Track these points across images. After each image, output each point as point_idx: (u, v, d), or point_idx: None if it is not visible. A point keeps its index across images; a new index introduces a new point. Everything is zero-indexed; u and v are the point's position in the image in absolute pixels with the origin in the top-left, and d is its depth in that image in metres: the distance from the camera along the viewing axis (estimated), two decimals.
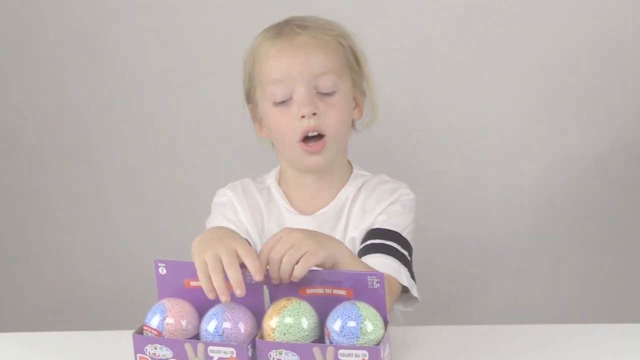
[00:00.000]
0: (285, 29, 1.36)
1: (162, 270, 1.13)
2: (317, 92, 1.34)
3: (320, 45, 1.34)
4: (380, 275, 1.06)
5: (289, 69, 1.33)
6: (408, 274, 1.34)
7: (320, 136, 1.35)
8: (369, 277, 1.06)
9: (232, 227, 1.35)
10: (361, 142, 1.50)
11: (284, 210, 1.42)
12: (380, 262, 1.30)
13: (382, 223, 1.38)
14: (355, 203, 1.42)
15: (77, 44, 2.03)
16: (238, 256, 1.08)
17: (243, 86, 1.43)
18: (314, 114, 1.33)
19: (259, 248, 1.39)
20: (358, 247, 1.37)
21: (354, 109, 1.42)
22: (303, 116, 1.33)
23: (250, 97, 1.43)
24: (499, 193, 2.02)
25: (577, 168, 1.99)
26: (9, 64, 2.06)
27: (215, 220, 1.43)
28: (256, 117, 1.43)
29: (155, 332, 1.09)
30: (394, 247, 1.35)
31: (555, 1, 1.92)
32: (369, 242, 1.36)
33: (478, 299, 2.07)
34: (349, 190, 1.43)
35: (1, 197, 2.14)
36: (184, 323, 1.09)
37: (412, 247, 1.40)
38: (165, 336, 1.08)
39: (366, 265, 1.23)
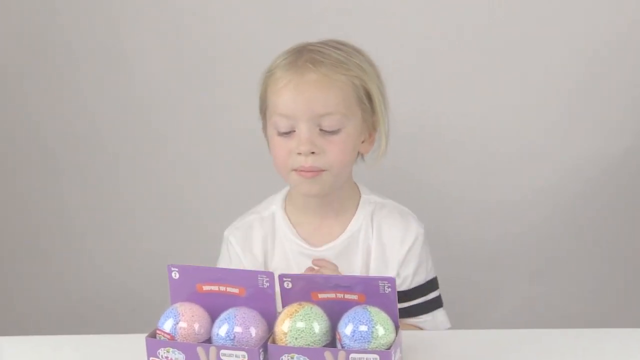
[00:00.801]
0: (300, 62, 1.35)
1: (175, 275, 1.13)
2: (320, 130, 1.34)
3: (330, 85, 1.33)
4: (391, 280, 1.06)
5: (294, 106, 1.33)
6: (443, 312, 1.46)
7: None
8: (380, 281, 1.06)
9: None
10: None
11: (291, 241, 1.43)
12: (420, 323, 1.43)
13: (411, 281, 1.42)
14: (368, 235, 1.42)
15: (93, 49, 2.04)
16: None
17: (259, 98, 1.43)
18: (312, 153, 1.33)
19: None
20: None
21: (362, 142, 1.40)
22: (300, 153, 1.34)
23: (263, 114, 1.43)
24: (511, 197, 2.01)
25: (590, 172, 1.98)
26: (24, 69, 2.08)
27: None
28: (266, 131, 1.43)
29: (168, 336, 1.09)
30: (429, 301, 1.44)
31: (571, 1, 1.92)
32: (407, 305, 1.41)
33: (490, 303, 2.07)
34: (358, 221, 1.43)
35: (18, 200, 2.15)
36: (196, 327, 1.10)
37: (435, 274, 1.47)
38: (178, 340, 1.09)
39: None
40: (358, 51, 1.40)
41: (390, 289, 1.05)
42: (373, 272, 1.41)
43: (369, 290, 1.07)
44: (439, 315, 1.45)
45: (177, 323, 1.10)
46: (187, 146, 2.07)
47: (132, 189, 2.10)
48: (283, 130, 1.35)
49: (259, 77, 1.41)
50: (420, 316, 1.43)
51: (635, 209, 2.00)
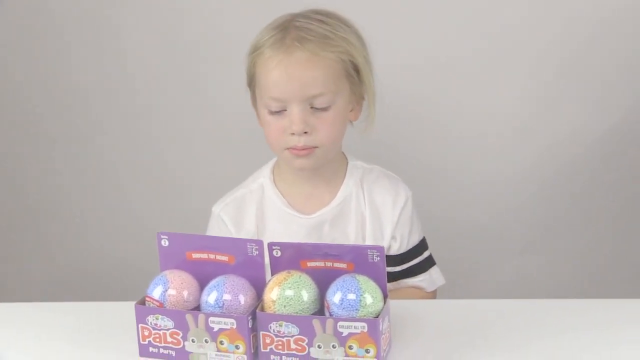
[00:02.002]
0: (288, 40, 1.35)
1: (165, 243, 1.13)
2: (312, 107, 1.35)
3: (319, 64, 1.34)
4: (380, 249, 1.06)
5: (285, 88, 1.34)
6: (437, 270, 1.51)
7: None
8: (369, 250, 1.06)
9: None
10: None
11: (282, 211, 1.44)
12: (419, 283, 1.48)
13: (407, 242, 1.46)
14: (359, 201, 1.44)
15: (88, 39, 2.04)
16: None
17: (246, 72, 1.43)
18: (305, 132, 1.34)
19: None
20: (380, 243, 1.43)
21: (350, 111, 1.42)
22: (293, 133, 1.35)
23: (251, 88, 1.43)
24: (500, 172, 2.02)
25: (575, 147, 1.99)
26: (21, 58, 2.07)
27: None
28: (255, 104, 1.44)
29: (157, 303, 1.10)
30: (424, 260, 1.48)
31: None
32: (400, 268, 1.45)
33: (480, 276, 2.09)
34: (348, 187, 1.45)
35: (13, 174, 2.15)
36: (185, 294, 1.10)
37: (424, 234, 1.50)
38: (167, 307, 1.09)
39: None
40: (343, 22, 1.39)
41: (379, 258, 1.06)
42: (369, 237, 1.43)
43: (358, 259, 1.07)
44: (434, 272, 1.50)
45: (166, 290, 1.10)
46: (175, 116, 2.07)
47: (121, 157, 2.10)
48: (275, 109, 1.35)
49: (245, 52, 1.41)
50: (418, 275, 1.47)
51: (619, 183, 2.02)
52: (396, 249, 1.45)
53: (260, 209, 1.45)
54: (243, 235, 1.43)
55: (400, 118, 1.94)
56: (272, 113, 1.36)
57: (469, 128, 2.01)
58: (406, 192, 1.47)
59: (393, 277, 1.45)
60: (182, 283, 1.11)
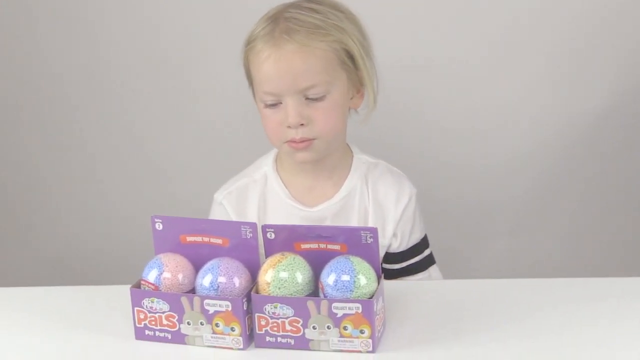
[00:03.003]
0: (276, 32, 1.33)
1: (159, 226, 1.14)
2: (307, 98, 1.33)
3: (309, 54, 1.31)
4: (373, 230, 1.07)
5: (277, 82, 1.32)
6: (436, 269, 1.48)
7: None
8: (362, 232, 1.07)
9: None
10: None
11: (284, 203, 1.42)
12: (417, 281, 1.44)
13: (408, 240, 1.45)
14: (363, 196, 1.43)
15: (65, 26, 2.03)
16: None
17: (243, 67, 1.41)
18: (301, 125, 1.33)
19: None
20: (381, 240, 1.41)
21: (351, 99, 1.40)
22: (289, 126, 1.34)
23: (249, 81, 1.41)
24: (495, 154, 2.03)
25: (574, 126, 2.00)
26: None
27: None
28: (257, 102, 1.42)
29: (152, 286, 1.10)
30: (424, 258, 1.46)
31: None
32: (401, 265, 1.44)
33: (473, 257, 2.10)
34: (352, 181, 1.43)
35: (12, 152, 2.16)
36: (180, 277, 1.11)
37: (425, 232, 1.50)
38: (162, 290, 1.10)
39: None
40: (336, 8, 1.37)
41: (372, 239, 1.07)
42: (365, 213, 1.42)
43: (351, 240, 1.08)
44: (433, 271, 1.48)
45: (161, 273, 1.11)
46: (164, 104, 2.06)
47: (117, 139, 2.10)
48: (270, 103, 1.34)
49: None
50: (417, 274, 1.46)
51: (613, 164, 2.03)
52: (396, 246, 1.44)
53: (262, 200, 1.44)
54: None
55: (402, 110, 1.96)
56: (269, 107, 1.35)
57: (463, 106, 2.02)
58: (410, 190, 1.45)
59: (392, 274, 1.45)
60: (177, 266, 1.11)
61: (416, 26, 1.96)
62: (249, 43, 1.36)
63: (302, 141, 1.34)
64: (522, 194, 2.06)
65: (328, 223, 1.40)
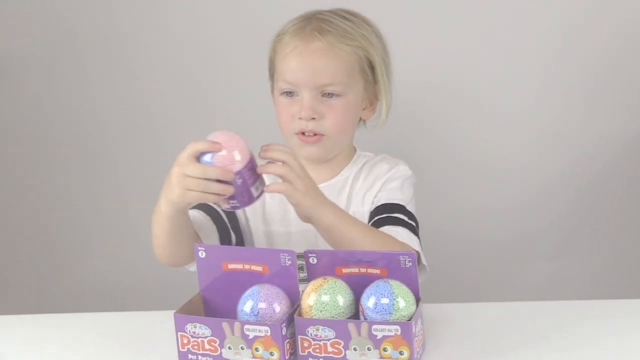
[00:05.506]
0: (308, 29, 1.41)
1: (202, 254, 1.17)
2: (322, 95, 1.40)
3: (333, 55, 1.39)
4: (412, 255, 1.11)
5: (298, 74, 1.39)
6: (418, 241, 1.39)
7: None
8: (401, 256, 1.11)
9: None
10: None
11: None
12: (391, 231, 1.35)
13: (386, 199, 1.44)
14: (357, 181, 1.48)
15: (95, 43, 2.10)
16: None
17: (268, 59, 1.49)
18: (313, 119, 1.39)
19: (252, 224, 1.48)
20: (369, 201, 1.44)
21: (363, 110, 1.47)
22: (301, 118, 1.40)
23: (270, 73, 1.49)
24: (535, 177, 2.07)
25: (611, 151, 2.04)
26: (30, 62, 2.13)
27: None
28: (274, 92, 1.49)
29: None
30: (401, 218, 1.40)
31: None
32: (376, 218, 1.41)
33: (512, 281, 2.12)
34: (351, 169, 1.49)
35: (27, 196, 2.20)
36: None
37: (417, 220, 1.45)
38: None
39: (365, 227, 1.31)
40: (366, 22, 1.45)
41: (411, 264, 1.10)
42: (355, 197, 1.46)
43: (391, 264, 1.11)
44: (411, 236, 1.39)
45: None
46: (180, 121, 2.12)
47: (155, 164, 2.13)
48: (286, 90, 1.41)
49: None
50: (389, 226, 1.39)
51: None
52: (375, 202, 1.44)
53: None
54: None
55: (415, 120, 2.01)
56: (285, 95, 1.42)
57: (501, 129, 2.06)
58: (404, 168, 1.48)
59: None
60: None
61: (439, 44, 2.02)
62: (278, 36, 1.44)
63: (312, 135, 1.40)
64: (561, 218, 2.09)
65: None
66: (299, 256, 1.18)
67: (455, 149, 2.06)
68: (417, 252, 1.34)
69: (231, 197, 1.18)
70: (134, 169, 2.16)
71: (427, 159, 1.99)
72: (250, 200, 1.20)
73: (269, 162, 1.23)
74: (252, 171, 1.18)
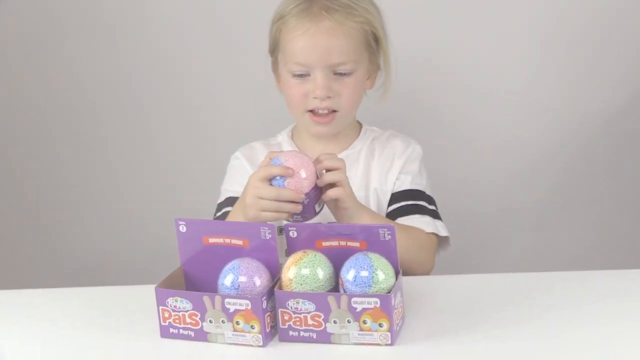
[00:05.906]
0: (315, 9, 1.42)
1: (183, 228, 1.17)
2: (335, 73, 1.42)
3: (344, 33, 1.41)
4: (391, 228, 1.11)
5: (311, 55, 1.41)
6: (442, 224, 1.48)
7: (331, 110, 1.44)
8: (380, 229, 1.12)
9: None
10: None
11: None
12: (418, 222, 1.43)
13: (409, 184, 1.48)
14: (372, 158, 1.51)
15: (89, 38, 2.08)
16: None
17: (268, 39, 1.49)
18: (328, 97, 1.42)
19: None
20: (382, 197, 1.48)
21: (367, 79, 1.49)
22: (316, 97, 1.42)
23: (273, 52, 1.49)
24: (517, 148, 2.08)
25: (593, 123, 2.05)
26: (25, 60, 2.11)
27: (229, 185, 1.52)
28: (276, 70, 1.51)
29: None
30: (423, 205, 1.47)
31: None
32: (397, 205, 1.46)
33: (496, 251, 2.13)
34: (362, 142, 1.52)
35: (17, 173, 2.19)
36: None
37: (435, 201, 1.51)
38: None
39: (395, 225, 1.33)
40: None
41: (390, 236, 1.11)
42: (374, 181, 1.49)
43: (370, 237, 1.12)
44: (435, 222, 1.47)
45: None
46: (175, 114, 2.11)
47: (140, 146, 2.15)
48: (299, 73, 1.42)
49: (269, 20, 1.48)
50: (415, 215, 1.46)
51: (635, 159, 2.07)
52: (398, 185, 1.49)
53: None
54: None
55: (419, 109, 2.02)
56: (296, 77, 1.43)
57: (483, 101, 2.05)
58: (416, 146, 1.53)
59: (390, 216, 1.47)
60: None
61: (433, 27, 2.01)
62: (281, 18, 1.44)
63: (326, 115, 1.43)
64: (544, 191, 2.10)
65: None
66: (280, 230, 1.19)
67: (443, 124, 2.06)
68: (444, 227, 1.46)
69: (296, 213, 1.28)
70: (125, 153, 2.15)
71: (413, 133, 2.00)
72: (312, 215, 1.30)
73: (324, 172, 1.29)
74: (316, 189, 1.28)
